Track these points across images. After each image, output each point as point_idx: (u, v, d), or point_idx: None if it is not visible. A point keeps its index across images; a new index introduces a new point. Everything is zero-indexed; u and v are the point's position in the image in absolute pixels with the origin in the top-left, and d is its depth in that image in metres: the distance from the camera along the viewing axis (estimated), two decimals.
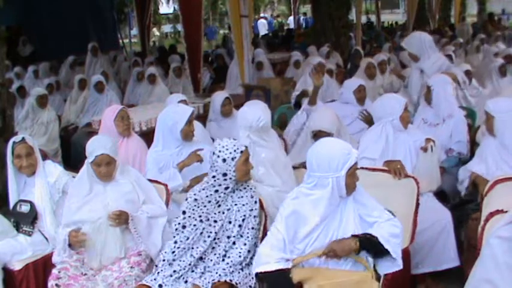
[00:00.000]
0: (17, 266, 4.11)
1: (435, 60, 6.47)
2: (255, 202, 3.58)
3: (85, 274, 3.77)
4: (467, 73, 7.28)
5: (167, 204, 4.19)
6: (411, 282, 4.14)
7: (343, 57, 12.54)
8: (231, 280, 3.40)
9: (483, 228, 3.32)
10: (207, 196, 3.53)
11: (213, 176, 3.48)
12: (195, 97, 9.09)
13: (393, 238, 3.12)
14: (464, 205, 4.61)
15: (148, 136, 5.00)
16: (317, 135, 4.84)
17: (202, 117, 7.03)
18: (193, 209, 3.56)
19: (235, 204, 3.55)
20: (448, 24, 22.71)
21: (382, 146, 4.68)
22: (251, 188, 3.61)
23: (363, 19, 18.81)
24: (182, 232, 3.57)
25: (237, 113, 4.66)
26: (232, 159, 3.43)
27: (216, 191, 3.51)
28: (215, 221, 3.54)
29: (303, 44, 15.32)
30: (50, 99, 8.41)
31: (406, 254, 3.79)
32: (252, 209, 3.55)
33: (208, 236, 3.54)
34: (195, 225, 3.54)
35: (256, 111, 4.44)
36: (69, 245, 3.89)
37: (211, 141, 5.74)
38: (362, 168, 4.25)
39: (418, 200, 3.97)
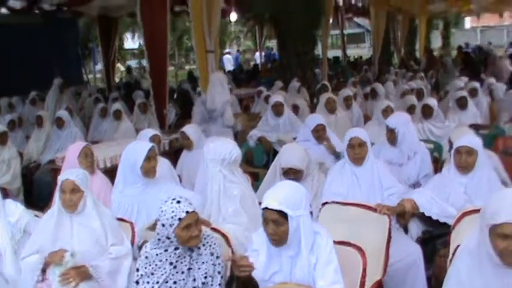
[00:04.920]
0: None
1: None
2: (217, 257, 3.49)
3: None
4: (427, 107, 7.36)
5: (133, 243, 4.13)
6: None
7: (309, 92, 12.64)
8: None
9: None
10: (157, 255, 3.44)
11: (159, 239, 3.41)
12: (161, 133, 9.03)
13: None
14: (433, 240, 4.60)
15: (112, 173, 4.94)
16: (287, 172, 4.84)
17: (169, 154, 7.07)
18: (145, 267, 3.46)
19: (196, 263, 3.46)
20: (413, 58, 23.19)
21: (347, 180, 4.75)
22: (210, 245, 3.50)
23: (329, 54, 19.06)
24: None
25: (204, 146, 4.56)
26: (171, 225, 3.33)
27: (166, 250, 3.43)
28: (174, 282, 3.43)
29: (269, 79, 15.43)
30: (12, 135, 8.30)
31: (379, 286, 3.85)
32: (214, 264, 3.47)
33: None
34: (148, 282, 3.44)
35: (227, 144, 4.44)
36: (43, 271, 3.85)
37: (177, 179, 5.72)
38: (333, 202, 4.35)
39: (390, 234, 4.00)
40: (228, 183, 4.34)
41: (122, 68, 27.91)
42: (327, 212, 4.27)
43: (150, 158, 4.51)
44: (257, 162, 7.66)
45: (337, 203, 4.35)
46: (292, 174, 4.79)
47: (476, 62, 17.91)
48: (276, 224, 3.07)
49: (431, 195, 4.54)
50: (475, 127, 7.03)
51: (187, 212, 3.32)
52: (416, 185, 5.38)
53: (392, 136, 5.55)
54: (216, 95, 8.28)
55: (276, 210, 3.05)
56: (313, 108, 10.05)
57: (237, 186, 4.35)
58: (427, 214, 4.49)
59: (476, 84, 9.69)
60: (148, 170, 4.51)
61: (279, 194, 3.12)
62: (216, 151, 4.38)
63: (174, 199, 3.39)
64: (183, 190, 4.84)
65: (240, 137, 8.48)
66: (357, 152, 4.72)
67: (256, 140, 7.81)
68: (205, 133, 7.22)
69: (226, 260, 3.52)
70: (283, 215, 3.05)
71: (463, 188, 4.48)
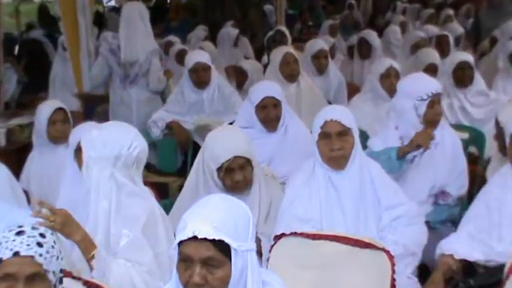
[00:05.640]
0: None
1: None
2: None
3: None
4: (466, 66, 7.26)
5: None
6: None
7: (254, 46, 12.65)
8: None
9: None
10: None
11: None
12: None
13: None
14: None
15: None
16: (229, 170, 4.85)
17: (7, 154, 7.11)
18: None
19: None
20: None
21: (319, 195, 4.81)
22: None
23: None
24: None
25: (82, 138, 4.50)
26: None
27: None
28: None
29: (185, 23, 15.42)
30: None
31: None
32: None
33: None
34: None
35: (124, 132, 4.42)
36: None
37: (22, 196, 5.57)
38: (295, 233, 4.31)
39: (394, 284, 4.00)
40: (126, 198, 4.29)
41: None
42: (284, 249, 4.27)
43: None
44: (165, 165, 7.72)
45: (301, 234, 4.29)
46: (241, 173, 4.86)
47: None
48: (210, 267, 2.90)
49: (467, 232, 4.65)
50: None
51: (16, 254, 3.17)
52: (440, 195, 5.49)
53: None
54: (138, 39, 8.17)
55: (210, 242, 2.86)
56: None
57: (141, 203, 4.32)
58: (468, 259, 4.54)
59: None
60: None
61: (211, 213, 2.93)
62: (105, 143, 4.30)
63: (19, 227, 3.27)
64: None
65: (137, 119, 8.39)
66: (336, 145, 4.73)
67: (163, 127, 7.76)
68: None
69: None
70: (221, 249, 2.89)
71: None
